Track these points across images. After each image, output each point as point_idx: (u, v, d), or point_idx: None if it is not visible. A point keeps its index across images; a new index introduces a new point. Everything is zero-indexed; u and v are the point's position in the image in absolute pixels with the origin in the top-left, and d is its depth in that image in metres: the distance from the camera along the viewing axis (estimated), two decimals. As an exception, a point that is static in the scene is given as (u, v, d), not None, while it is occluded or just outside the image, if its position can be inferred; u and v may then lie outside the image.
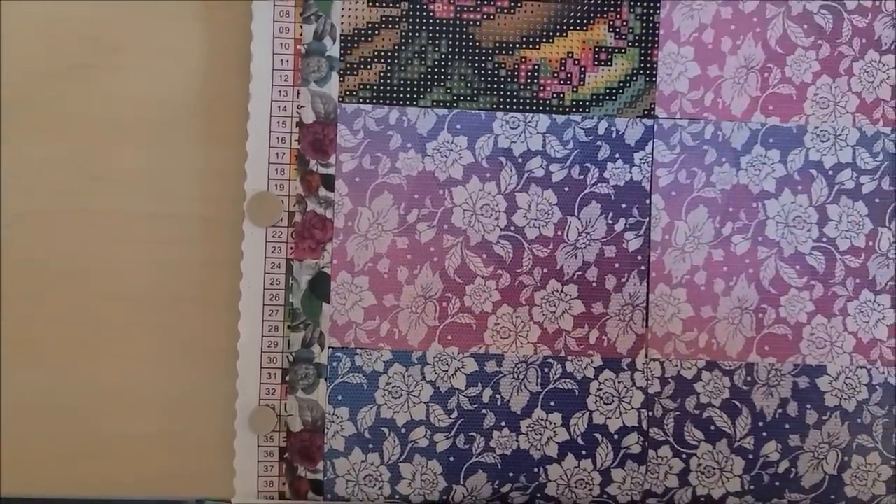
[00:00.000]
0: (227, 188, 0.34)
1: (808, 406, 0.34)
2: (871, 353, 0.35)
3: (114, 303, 0.34)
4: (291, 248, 0.34)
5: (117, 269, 0.34)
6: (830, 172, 0.35)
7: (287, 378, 0.34)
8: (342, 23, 0.34)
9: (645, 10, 0.34)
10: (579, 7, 0.34)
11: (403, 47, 0.34)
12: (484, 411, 0.34)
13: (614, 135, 0.34)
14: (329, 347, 0.34)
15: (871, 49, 0.35)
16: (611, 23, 0.34)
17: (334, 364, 0.34)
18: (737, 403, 0.34)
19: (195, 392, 0.34)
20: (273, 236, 0.34)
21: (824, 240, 0.35)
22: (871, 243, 0.35)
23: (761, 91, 0.35)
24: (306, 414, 0.34)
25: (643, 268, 0.34)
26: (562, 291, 0.34)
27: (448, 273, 0.34)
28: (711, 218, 0.35)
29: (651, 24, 0.34)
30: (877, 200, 0.35)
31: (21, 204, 0.34)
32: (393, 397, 0.34)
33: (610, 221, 0.34)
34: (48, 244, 0.34)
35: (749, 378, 0.34)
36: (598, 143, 0.34)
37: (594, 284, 0.34)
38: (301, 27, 0.34)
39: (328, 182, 0.34)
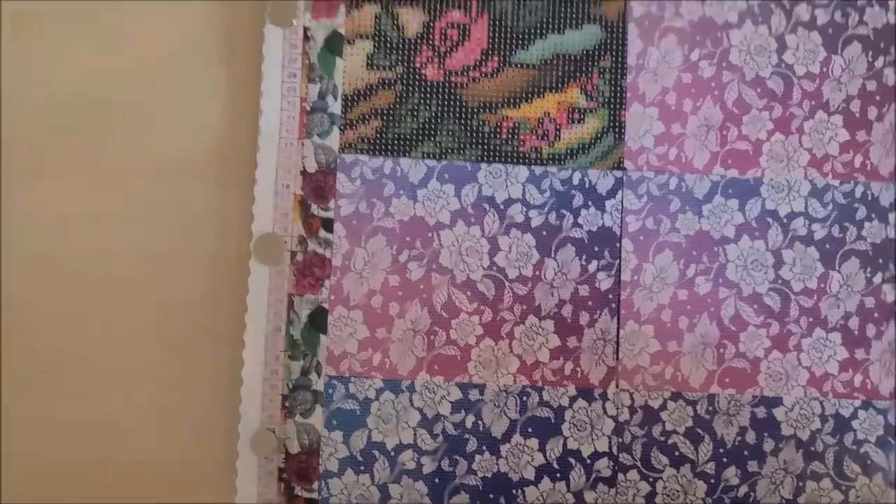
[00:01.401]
0: (237, 229, 0.38)
1: (766, 434, 0.37)
2: (824, 386, 0.37)
3: (130, 330, 0.38)
4: (293, 285, 0.37)
5: (136, 300, 0.38)
6: (785, 220, 0.38)
7: (286, 404, 0.37)
8: (344, 84, 0.38)
9: (613, 76, 0.38)
10: (555, 73, 0.38)
11: (398, 106, 0.38)
12: (467, 436, 0.37)
13: (587, 185, 0.38)
14: (325, 376, 0.37)
15: (820, 110, 0.39)
16: (583, 87, 0.38)
17: (330, 391, 0.37)
18: (700, 431, 0.37)
19: (202, 415, 0.37)
20: (276, 273, 0.37)
21: (780, 282, 0.38)
22: (822, 285, 0.38)
23: (720, 147, 0.39)
24: (303, 437, 0.37)
25: (614, 305, 0.38)
26: (539, 326, 0.37)
27: (435, 308, 0.37)
28: (676, 261, 0.38)
29: (619, 88, 0.38)
30: (827, 246, 0.38)
31: (41, 244, 0.38)
32: (383, 422, 0.37)
33: (583, 263, 0.38)
34: (68, 279, 0.38)
35: (711, 408, 0.37)
36: (573, 192, 0.38)
37: (569, 320, 0.38)
38: (307, 87, 0.38)
39: (328, 225, 0.37)
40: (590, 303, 0.38)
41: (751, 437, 0.37)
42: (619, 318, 0.38)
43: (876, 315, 0.38)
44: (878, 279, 0.38)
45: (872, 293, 0.38)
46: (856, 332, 0.38)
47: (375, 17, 0.38)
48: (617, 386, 0.37)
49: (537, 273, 0.38)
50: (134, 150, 0.38)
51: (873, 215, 0.38)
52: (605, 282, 0.38)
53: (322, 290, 0.37)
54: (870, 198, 0.38)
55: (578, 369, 0.37)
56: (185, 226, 0.38)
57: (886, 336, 0.38)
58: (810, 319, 0.38)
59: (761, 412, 0.37)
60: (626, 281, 0.38)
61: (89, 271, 0.38)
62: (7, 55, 0.38)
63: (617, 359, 0.37)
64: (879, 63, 0.39)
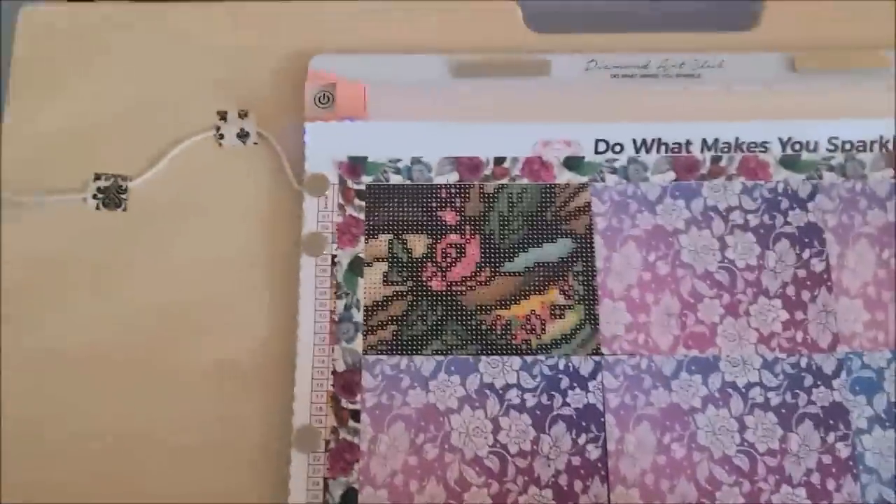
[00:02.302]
0: (278, 423, 0.45)
1: (748, 585, 0.42)
2: (796, 537, 0.42)
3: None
4: (327, 469, 0.44)
5: (183, 491, 0.44)
6: (743, 390, 0.45)
7: (324, 577, 0.42)
8: (365, 298, 0.46)
9: (585, 278, 0.47)
10: (537, 278, 0.47)
11: (410, 313, 0.46)
12: None
13: (571, 369, 0.45)
14: (357, 549, 0.43)
15: (762, 296, 0.47)
16: (561, 288, 0.47)
17: (361, 563, 0.42)
18: (688, 584, 0.42)
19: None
20: (313, 460, 0.44)
21: (745, 444, 0.44)
22: (783, 446, 0.44)
23: (681, 331, 0.46)
24: None
25: (603, 473, 0.44)
26: (540, 495, 0.43)
27: (449, 483, 0.43)
28: (653, 430, 0.44)
29: (591, 287, 0.46)
30: (783, 411, 0.44)
31: (90, 435, 0.45)
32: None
33: (574, 436, 0.44)
34: (119, 470, 0.44)
35: (697, 562, 0.42)
36: (560, 376, 0.45)
37: (565, 488, 0.43)
38: (335, 302, 0.46)
39: (356, 415, 0.44)
40: (582, 471, 0.44)
41: (734, 587, 0.42)
42: (608, 484, 0.43)
43: (834, 470, 0.43)
44: (831, 438, 0.44)
45: (828, 451, 0.44)
46: (818, 487, 0.43)
47: (389, 243, 0.47)
48: (612, 546, 0.42)
49: (535, 447, 0.44)
50: (187, 358, 0.46)
51: (819, 382, 0.45)
52: (593, 452, 0.44)
53: (352, 472, 0.44)
54: (814, 367, 0.45)
55: (577, 532, 0.43)
56: (233, 424, 0.45)
57: (846, 488, 0.43)
58: (777, 477, 0.43)
59: (741, 564, 0.42)
60: (611, 450, 0.44)
61: (138, 462, 0.44)
62: (87, 260, 0.47)
63: (610, 521, 0.43)
64: (806, 255, 0.47)
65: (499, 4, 0.53)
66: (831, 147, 0.49)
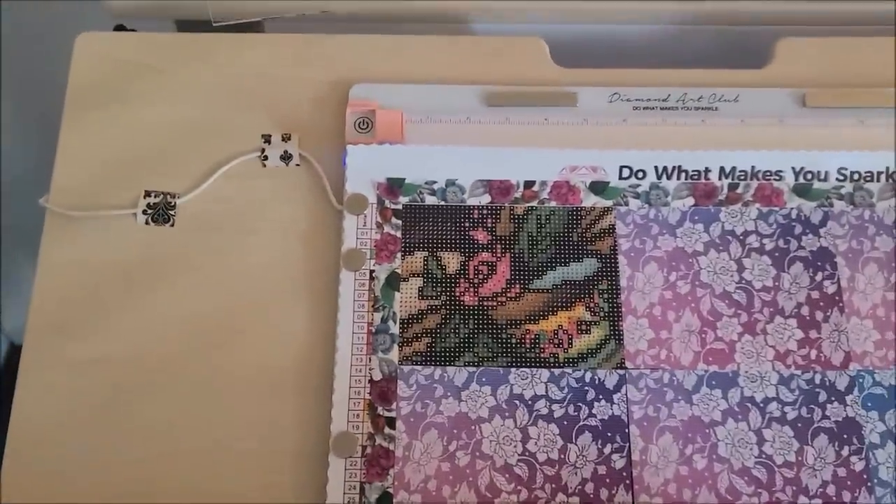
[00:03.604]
0: (316, 429, 0.47)
1: (768, 590, 0.43)
2: (814, 546, 0.44)
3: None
4: (363, 473, 0.45)
5: (225, 492, 0.46)
6: (761, 404, 0.47)
7: (359, 578, 0.44)
8: (401, 311, 0.49)
9: (610, 296, 0.49)
10: (564, 295, 0.49)
11: (443, 326, 0.49)
12: None
13: (597, 382, 0.47)
14: (392, 551, 0.44)
15: (778, 315, 0.49)
16: (587, 305, 0.49)
17: (396, 565, 0.44)
18: (711, 589, 0.43)
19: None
20: (350, 465, 0.46)
21: (763, 456, 0.46)
22: (800, 458, 0.46)
23: (701, 347, 0.48)
24: None
25: (628, 482, 0.45)
26: (567, 502, 0.45)
27: (480, 490, 0.45)
28: (675, 441, 0.46)
29: (615, 305, 0.49)
30: (799, 425, 0.47)
31: (149, 444, 0.47)
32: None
33: (599, 446, 0.46)
34: (173, 469, 0.46)
35: (718, 568, 0.44)
36: (586, 388, 0.47)
37: (591, 496, 0.45)
38: (372, 314, 0.48)
39: (391, 422, 0.46)
40: (608, 480, 0.45)
41: (755, 592, 0.43)
42: (633, 493, 0.45)
43: (849, 483, 0.45)
44: (845, 452, 0.46)
45: (843, 464, 0.46)
46: (834, 498, 0.45)
47: (424, 260, 0.50)
48: (637, 552, 0.44)
49: (562, 456, 0.46)
50: (230, 366, 0.48)
51: (833, 398, 0.47)
52: (618, 462, 0.46)
53: (388, 477, 0.45)
54: (828, 384, 0.47)
55: (603, 538, 0.44)
56: (275, 426, 0.47)
57: (861, 500, 0.45)
58: (794, 488, 0.45)
59: (762, 570, 0.44)
60: (636, 460, 0.46)
61: (181, 463, 0.46)
62: (138, 272, 0.50)
63: (634, 528, 0.45)
64: (819, 277, 0.50)
65: (528, 41, 0.56)
66: (841, 177, 0.52)
